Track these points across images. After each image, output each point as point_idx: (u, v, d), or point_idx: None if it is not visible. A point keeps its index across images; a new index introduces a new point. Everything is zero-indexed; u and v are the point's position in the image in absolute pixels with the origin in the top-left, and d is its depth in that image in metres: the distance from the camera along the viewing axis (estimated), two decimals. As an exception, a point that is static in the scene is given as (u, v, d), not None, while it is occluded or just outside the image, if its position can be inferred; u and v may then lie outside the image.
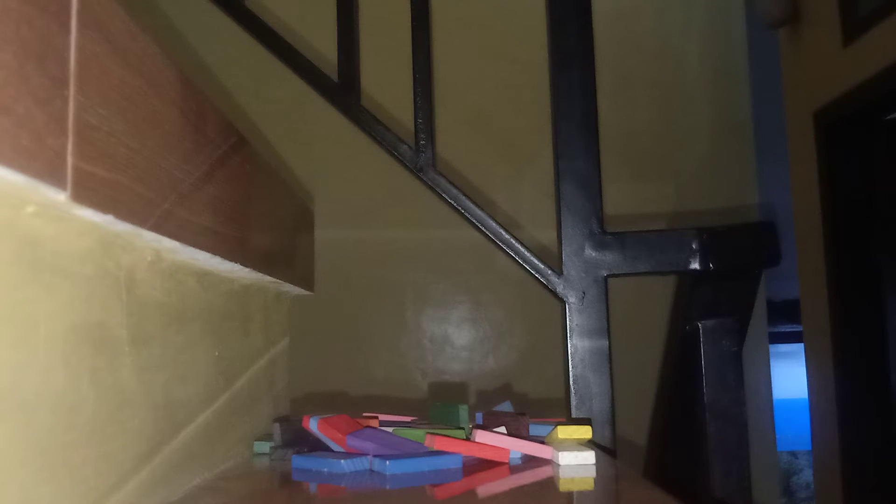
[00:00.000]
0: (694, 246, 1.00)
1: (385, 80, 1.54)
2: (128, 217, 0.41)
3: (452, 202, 1.06)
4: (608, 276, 1.01)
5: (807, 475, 3.71)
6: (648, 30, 1.87)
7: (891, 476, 1.49)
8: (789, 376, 2.78)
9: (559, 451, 0.66)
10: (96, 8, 0.38)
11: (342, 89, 1.12)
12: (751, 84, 1.85)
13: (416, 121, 1.08)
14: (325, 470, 0.61)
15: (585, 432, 0.72)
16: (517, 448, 0.68)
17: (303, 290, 0.95)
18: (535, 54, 1.73)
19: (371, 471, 0.61)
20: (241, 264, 0.63)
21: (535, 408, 1.33)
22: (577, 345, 0.98)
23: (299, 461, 0.63)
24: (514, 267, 1.07)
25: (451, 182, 1.06)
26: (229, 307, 0.68)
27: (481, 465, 0.66)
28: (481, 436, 0.67)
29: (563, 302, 1.00)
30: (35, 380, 0.35)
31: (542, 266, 1.02)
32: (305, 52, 1.14)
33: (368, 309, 1.77)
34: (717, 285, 1.05)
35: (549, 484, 0.60)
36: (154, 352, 0.50)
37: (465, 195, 1.06)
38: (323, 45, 1.26)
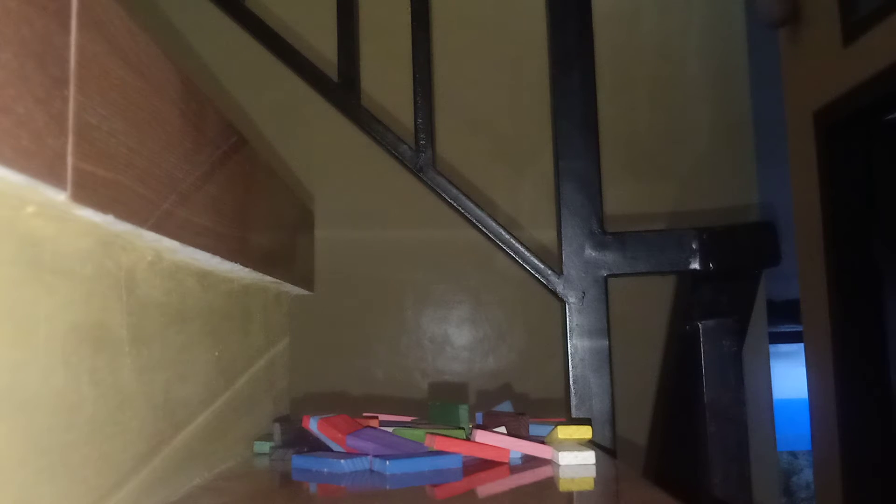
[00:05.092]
0: (694, 246, 1.00)
1: (385, 80, 1.54)
2: (128, 217, 0.41)
3: (452, 202, 1.06)
4: (608, 276, 1.01)
5: (807, 475, 3.71)
6: (648, 30, 1.87)
7: (891, 476, 1.49)
8: (789, 376, 2.78)
9: (559, 451, 0.66)
10: (96, 8, 0.38)
11: (342, 89, 1.12)
12: (751, 84, 1.84)
13: (416, 121, 1.08)
14: (325, 470, 0.61)
15: (585, 432, 0.72)
16: (517, 448, 0.68)
17: (303, 290, 0.95)
18: (535, 54, 1.73)
19: (371, 471, 0.61)
20: (241, 264, 0.63)
21: (535, 408, 1.33)
22: (577, 345, 0.98)
23: (299, 461, 0.63)
24: (514, 267, 1.07)
25: (451, 182, 1.06)
26: (229, 307, 0.68)
27: (481, 465, 0.66)
28: (481, 436, 0.67)
29: (563, 302, 1.00)
30: (35, 380, 0.35)
31: (542, 266, 1.02)
32: (305, 52, 1.14)
33: (368, 309, 1.77)
34: (717, 285, 1.05)
35: (549, 484, 0.60)
36: (154, 352, 0.50)
37: (465, 195, 1.06)
38: (323, 45, 1.26)
